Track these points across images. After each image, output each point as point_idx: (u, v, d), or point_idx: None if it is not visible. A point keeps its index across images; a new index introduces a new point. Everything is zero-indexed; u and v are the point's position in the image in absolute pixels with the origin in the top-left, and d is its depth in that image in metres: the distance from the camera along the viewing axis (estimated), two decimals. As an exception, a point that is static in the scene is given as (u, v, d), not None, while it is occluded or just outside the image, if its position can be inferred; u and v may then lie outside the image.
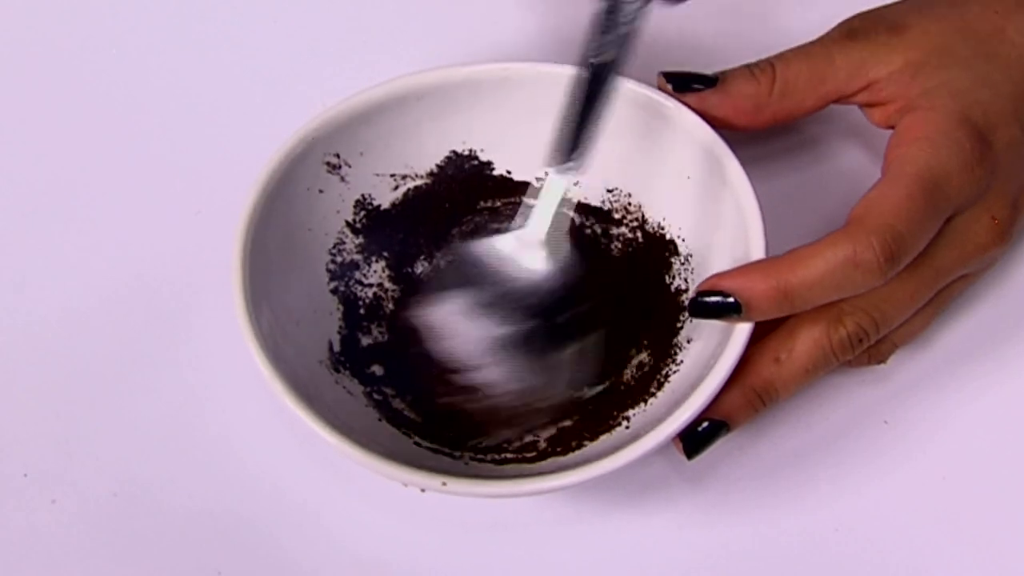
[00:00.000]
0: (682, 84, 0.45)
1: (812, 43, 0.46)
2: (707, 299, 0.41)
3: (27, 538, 0.44)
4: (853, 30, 0.45)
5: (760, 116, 0.46)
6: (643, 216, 0.48)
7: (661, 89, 0.46)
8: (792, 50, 0.46)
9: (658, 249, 0.47)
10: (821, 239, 0.40)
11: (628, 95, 0.46)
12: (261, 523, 0.44)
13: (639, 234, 0.48)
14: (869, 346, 0.43)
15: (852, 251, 0.40)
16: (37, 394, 0.47)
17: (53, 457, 0.45)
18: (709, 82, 0.45)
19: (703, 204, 0.45)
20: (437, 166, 0.49)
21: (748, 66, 0.46)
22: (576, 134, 0.42)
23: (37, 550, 0.44)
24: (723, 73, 0.46)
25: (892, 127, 0.44)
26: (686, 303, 0.45)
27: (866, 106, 0.46)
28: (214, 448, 0.45)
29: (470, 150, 0.49)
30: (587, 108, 0.42)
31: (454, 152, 0.49)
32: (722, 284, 0.41)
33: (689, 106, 0.45)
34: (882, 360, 0.44)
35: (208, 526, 0.44)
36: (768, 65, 0.45)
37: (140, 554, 0.44)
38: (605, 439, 0.43)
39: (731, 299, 0.41)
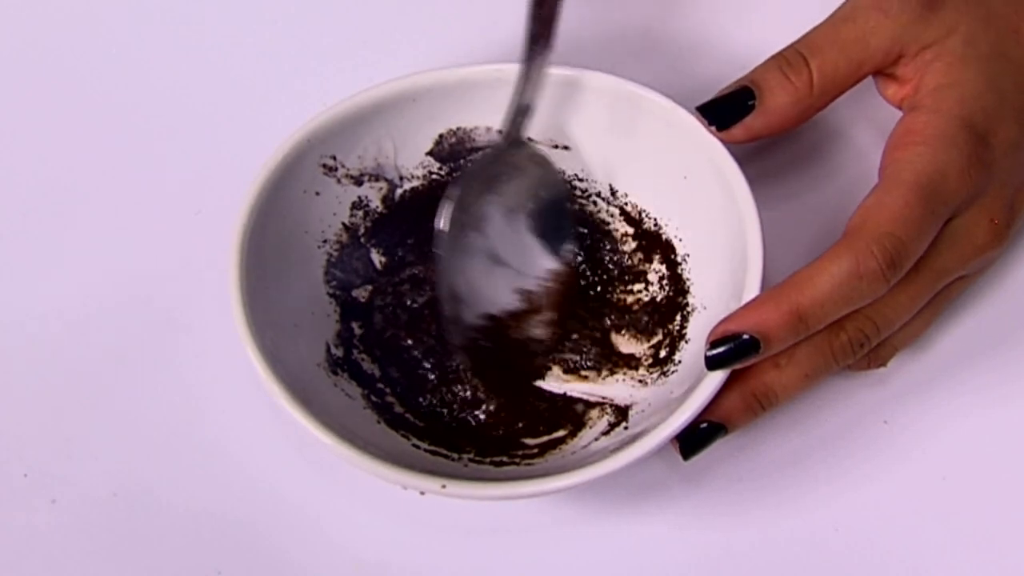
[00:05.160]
0: (723, 117, 0.43)
1: (843, 21, 0.44)
2: (722, 348, 0.40)
3: (27, 538, 0.44)
4: (886, 1, 0.43)
5: (802, 117, 0.44)
6: (641, 216, 0.48)
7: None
8: (823, 35, 0.44)
9: (656, 249, 0.47)
10: (822, 255, 0.40)
11: (626, 95, 0.46)
12: (260, 524, 0.44)
13: (637, 234, 0.48)
14: (869, 350, 0.43)
15: (855, 263, 0.39)
16: (37, 394, 0.47)
17: (53, 457, 0.46)
18: (748, 97, 0.43)
19: (701, 204, 0.45)
20: (433, 168, 0.48)
21: (780, 66, 0.43)
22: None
23: (37, 550, 0.44)
24: (755, 82, 0.43)
25: (898, 107, 0.44)
26: (685, 303, 0.45)
27: (886, 76, 0.45)
28: (213, 449, 0.45)
29: (467, 150, 0.49)
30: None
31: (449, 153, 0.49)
32: (732, 327, 0.40)
33: (734, 141, 0.43)
34: (882, 364, 0.44)
35: (208, 526, 0.44)
36: (801, 61, 0.43)
37: (140, 554, 0.44)
38: (604, 440, 0.43)
39: (746, 338, 0.40)
